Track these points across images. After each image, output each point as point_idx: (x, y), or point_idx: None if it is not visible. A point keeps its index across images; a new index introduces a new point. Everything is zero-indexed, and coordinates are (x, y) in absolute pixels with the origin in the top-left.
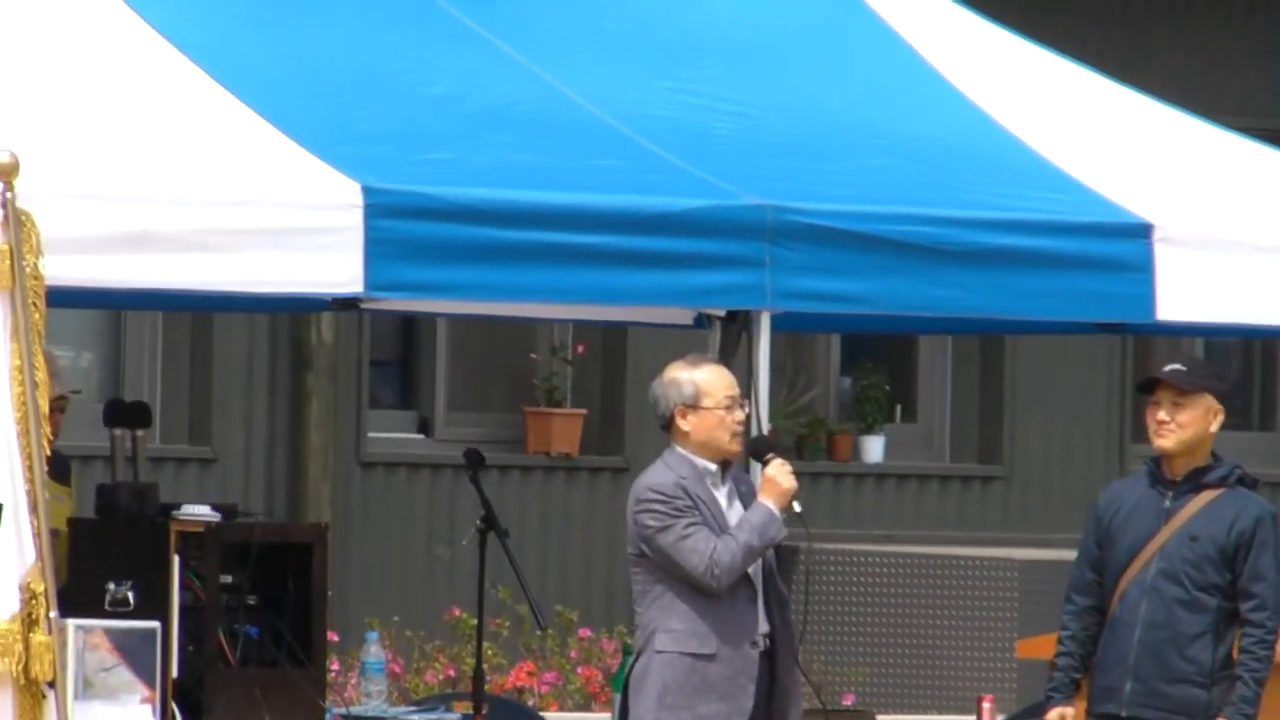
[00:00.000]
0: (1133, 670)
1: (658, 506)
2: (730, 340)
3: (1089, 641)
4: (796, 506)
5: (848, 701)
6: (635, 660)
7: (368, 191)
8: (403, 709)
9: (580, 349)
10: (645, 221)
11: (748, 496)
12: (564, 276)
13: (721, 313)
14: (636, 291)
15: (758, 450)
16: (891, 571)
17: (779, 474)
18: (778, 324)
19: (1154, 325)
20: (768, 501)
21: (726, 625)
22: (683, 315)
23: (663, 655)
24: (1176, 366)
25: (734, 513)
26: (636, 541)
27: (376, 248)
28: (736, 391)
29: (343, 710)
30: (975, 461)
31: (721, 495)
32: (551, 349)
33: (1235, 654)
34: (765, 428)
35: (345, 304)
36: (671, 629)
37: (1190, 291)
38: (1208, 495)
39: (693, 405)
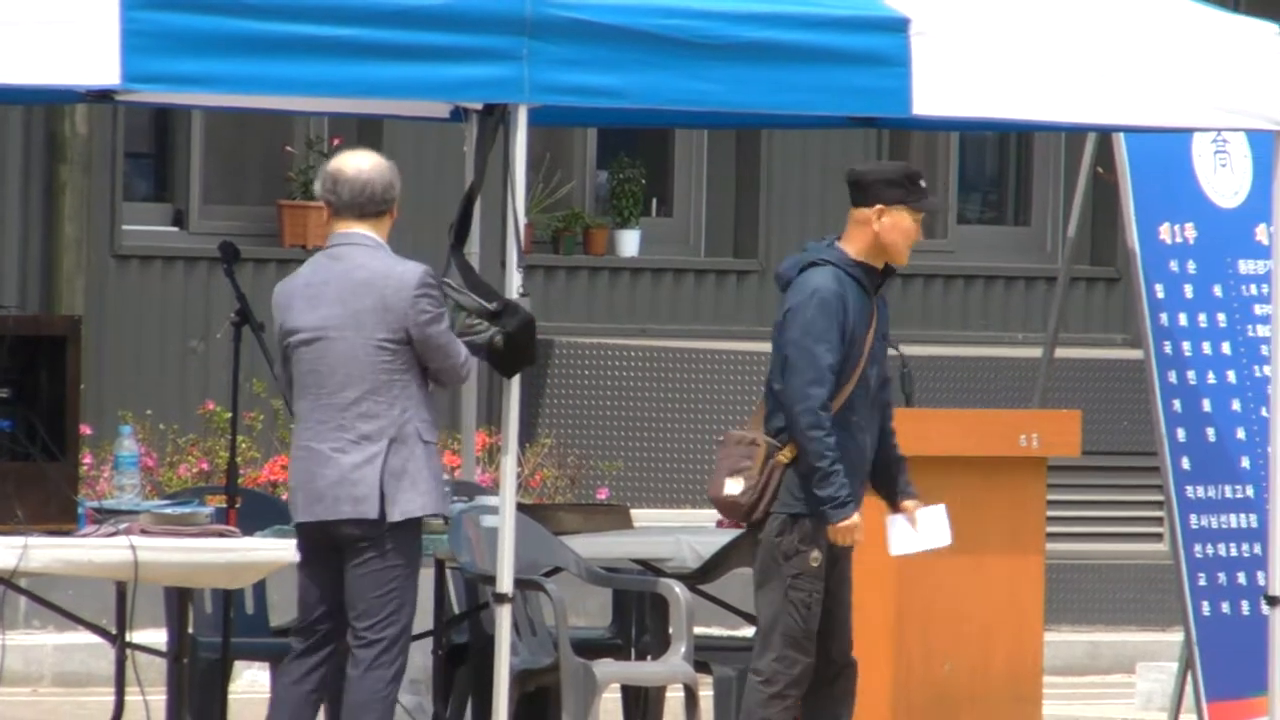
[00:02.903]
0: (859, 471)
1: (436, 293)
2: (487, 134)
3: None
4: None
5: (602, 495)
6: (388, 453)
7: None
8: (155, 502)
9: (336, 142)
10: (402, 14)
11: None
12: (320, 69)
13: (478, 106)
14: (393, 85)
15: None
16: (646, 366)
17: None
18: (535, 118)
19: (909, 120)
20: None
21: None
22: (439, 108)
23: (429, 446)
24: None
25: None
26: (399, 327)
27: (132, 39)
28: None
29: (95, 503)
30: (730, 255)
31: None
32: (307, 142)
33: None
34: (522, 222)
35: (99, 96)
36: (426, 419)
37: (946, 86)
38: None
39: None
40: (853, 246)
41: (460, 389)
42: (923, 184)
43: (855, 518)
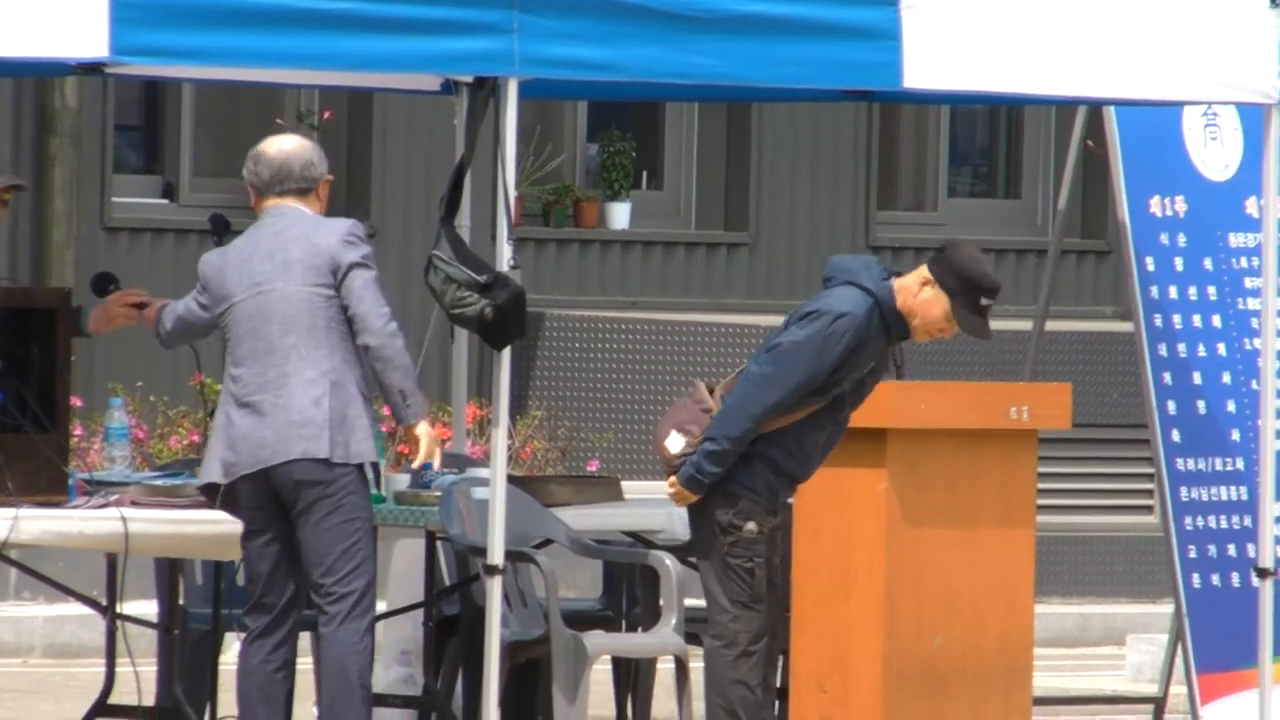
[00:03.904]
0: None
1: (363, 242)
2: (477, 107)
3: None
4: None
5: (592, 468)
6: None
7: None
8: (146, 474)
9: (327, 115)
10: None
11: None
12: (311, 42)
13: (469, 79)
14: (383, 58)
15: (98, 285)
16: (636, 338)
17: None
18: (525, 91)
19: (900, 93)
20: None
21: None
22: (430, 81)
23: (367, 399)
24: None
25: None
26: (327, 270)
27: (121, 11)
28: None
29: (86, 475)
30: (721, 229)
31: None
32: (298, 115)
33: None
34: (512, 195)
35: (89, 68)
36: (361, 374)
37: (937, 59)
38: None
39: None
40: (902, 296)
41: (451, 361)
42: (985, 303)
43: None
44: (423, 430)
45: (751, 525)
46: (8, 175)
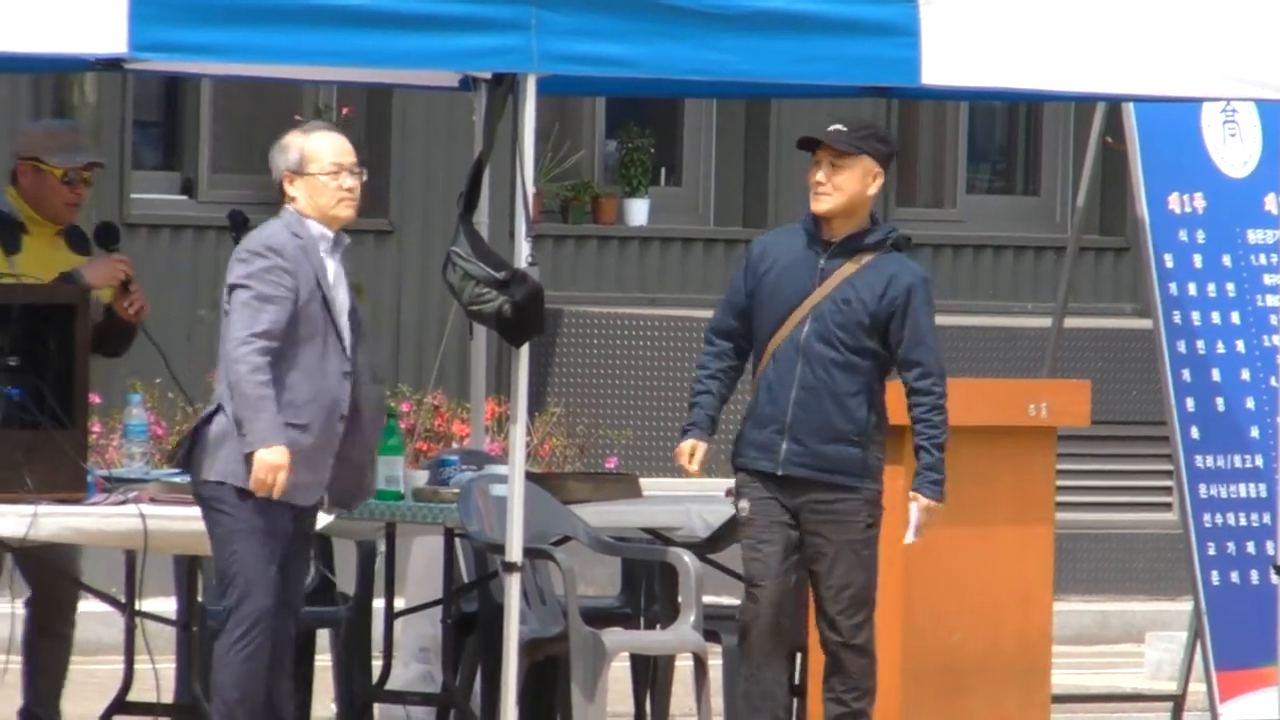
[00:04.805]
0: (789, 430)
1: (250, 256)
2: (496, 103)
3: (727, 382)
4: None
5: (611, 465)
6: (209, 420)
7: None
8: (165, 471)
9: (346, 111)
10: None
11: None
12: (329, 38)
13: (487, 75)
14: (401, 54)
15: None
16: (655, 335)
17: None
18: (543, 87)
19: (919, 89)
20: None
21: (319, 399)
22: (448, 78)
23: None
24: (838, 127)
25: (341, 287)
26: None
27: (140, 7)
28: (347, 159)
29: (105, 472)
30: (739, 225)
31: (332, 264)
32: (316, 111)
33: (888, 416)
34: (530, 192)
35: (108, 64)
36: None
37: (955, 55)
38: (862, 259)
39: (298, 171)
40: None
41: (470, 358)
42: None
43: (685, 444)
44: (257, 458)
45: (744, 503)
46: (87, 152)
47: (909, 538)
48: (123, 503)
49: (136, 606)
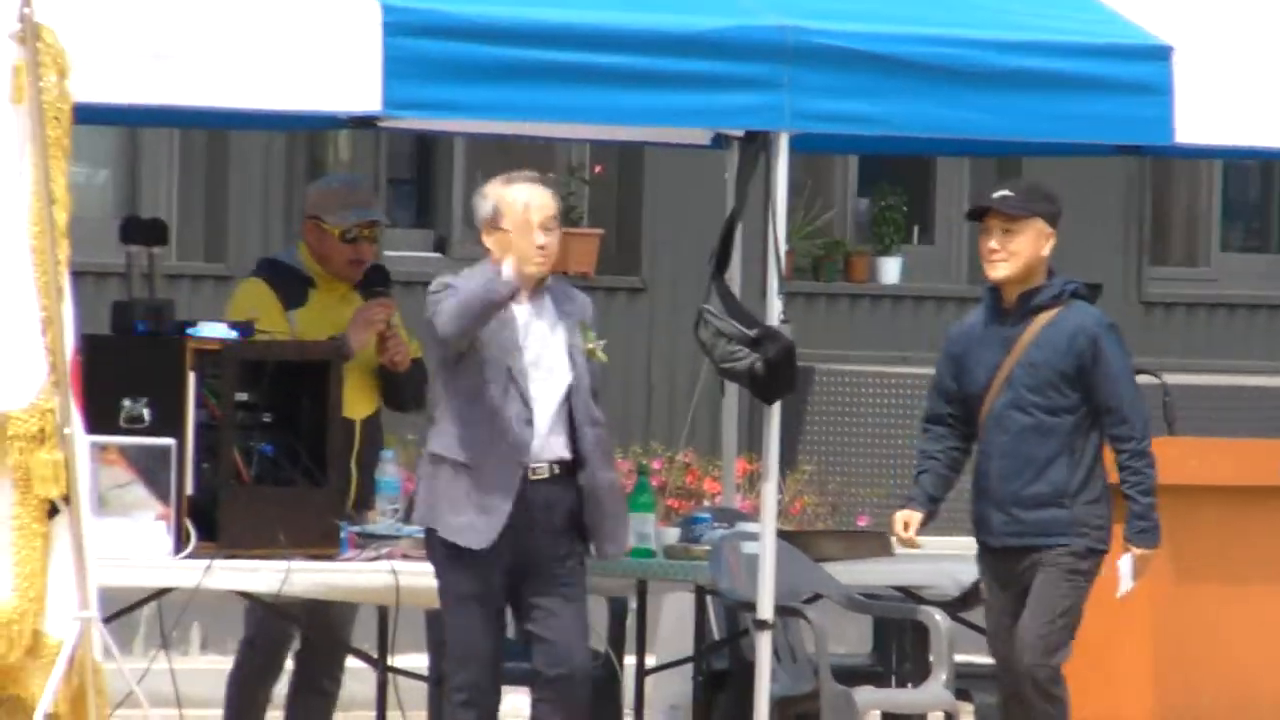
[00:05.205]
0: (995, 502)
1: (442, 290)
2: (748, 161)
3: (949, 464)
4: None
5: (862, 523)
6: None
7: (386, 9)
8: (417, 528)
9: (598, 169)
10: (665, 41)
11: (571, 316)
12: (582, 96)
13: (739, 133)
14: (655, 112)
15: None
16: (908, 393)
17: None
18: (796, 145)
19: (1172, 148)
20: (505, 264)
21: (492, 439)
22: (701, 136)
23: (429, 454)
24: (1005, 193)
25: (535, 334)
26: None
27: (394, 66)
28: (543, 215)
29: (358, 528)
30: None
31: (523, 311)
32: (569, 169)
33: (1095, 467)
34: (783, 250)
35: (362, 122)
36: (443, 431)
37: (1209, 114)
38: (1044, 317)
39: (493, 223)
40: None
41: (721, 415)
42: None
43: (900, 514)
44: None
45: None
46: (367, 210)
47: (1122, 587)
48: (375, 559)
49: (389, 662)
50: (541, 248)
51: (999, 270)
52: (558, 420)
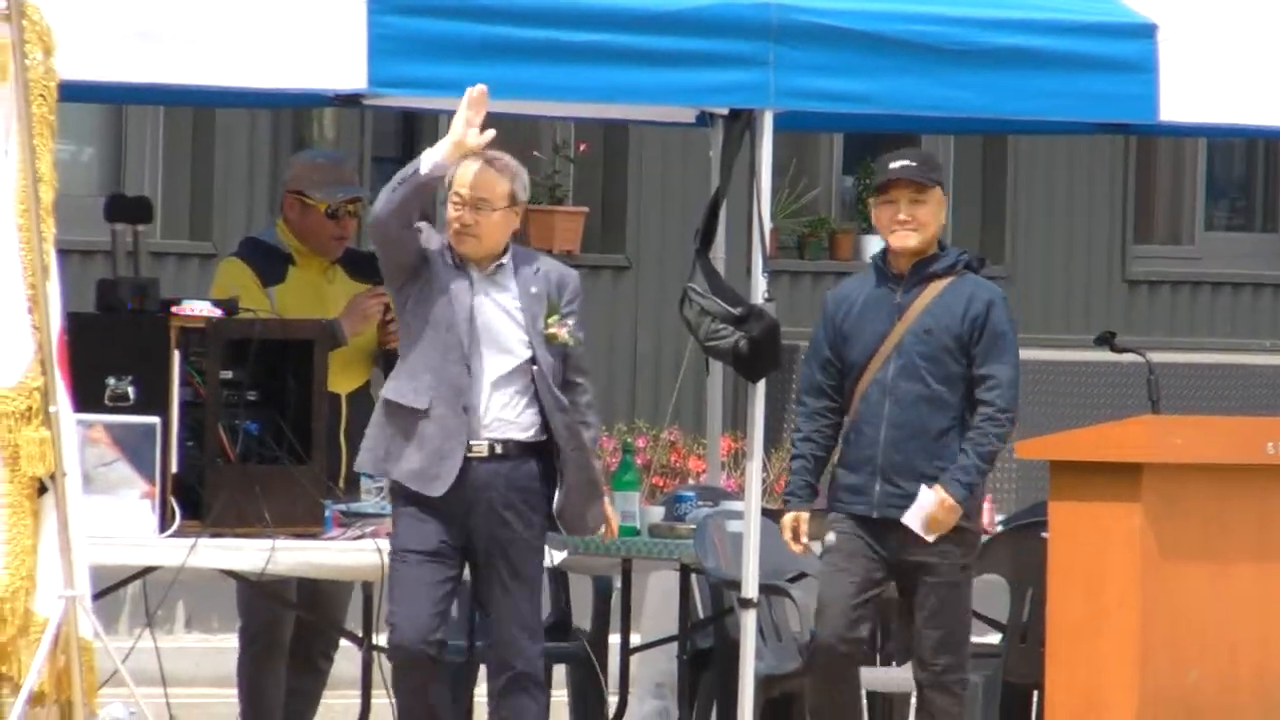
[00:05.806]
0: (880, 472)
1: None
2: (732, 139)
3: (824, 444)
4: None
5: None
6: None
7: None
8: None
9: (583, 147)
10: (650, 19)
11: (540, 298)
12: (567, 74)
13: (724, 111)
14: (640, 90)
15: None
16: None
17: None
18: (780, 123)
19: (1157, 126)
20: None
21: (440, 385)
22: (685, 114)
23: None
24: (907, 163)
25: (485, 309)
26: None
27: (380, 44)
28: (466, 190)
29: (342, 507)
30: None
31: (476, 281)
32: (554, 147)
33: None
34: (767, 228)
35: (347, 100)
36: (397, 376)
37: (1193, 92)
38: (937, 285)
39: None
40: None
41: (706, 394)
42: (891, 165)
43: (786, 519)
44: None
45: (830, 536)
46: (352, 187)
47: (906, 516)
48: (359, 537)
49: (373, 641)
50: (455, 220)
51: (910, 240)
52: (513, 400)
